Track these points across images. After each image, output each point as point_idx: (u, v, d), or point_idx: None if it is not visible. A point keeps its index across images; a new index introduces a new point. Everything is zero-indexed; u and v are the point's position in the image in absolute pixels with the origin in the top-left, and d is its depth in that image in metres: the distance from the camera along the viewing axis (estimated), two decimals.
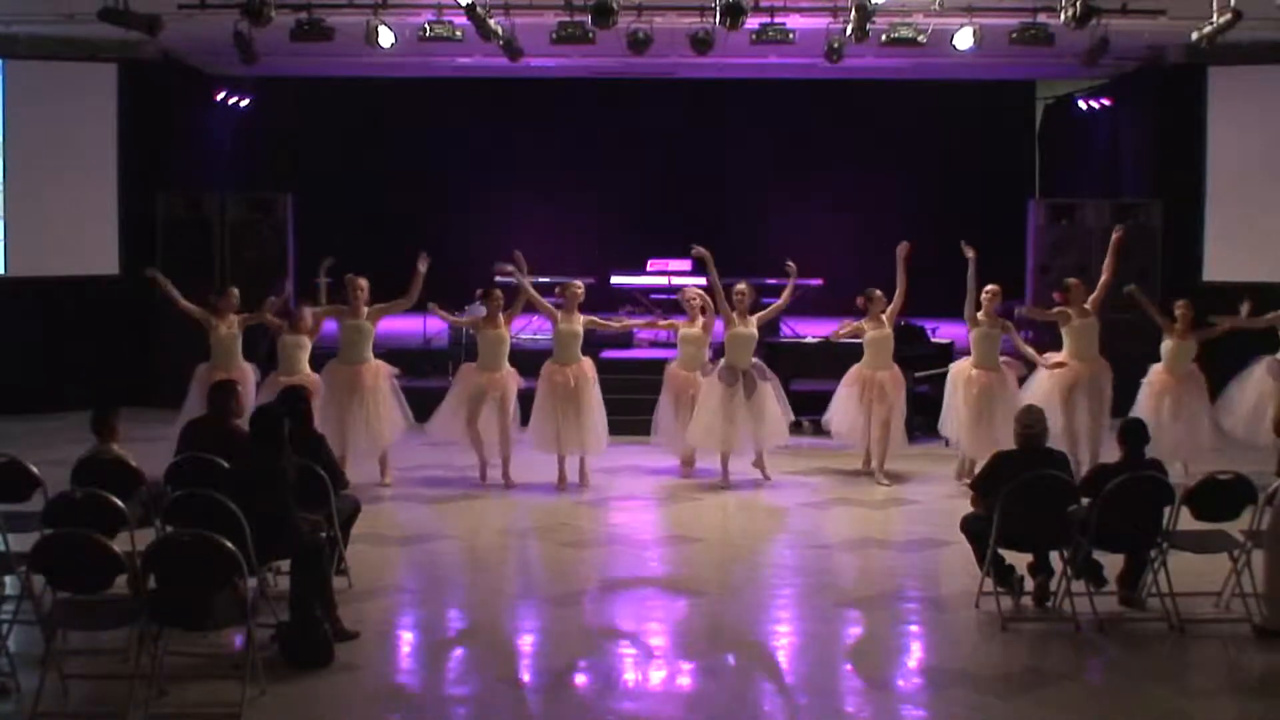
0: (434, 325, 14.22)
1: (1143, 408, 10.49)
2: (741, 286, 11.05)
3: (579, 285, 11.14)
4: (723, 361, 10.92)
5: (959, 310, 10.94)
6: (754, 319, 10.97)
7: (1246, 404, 11.08)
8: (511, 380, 10.94)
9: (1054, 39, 11.97)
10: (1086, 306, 10.84)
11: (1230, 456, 9.91)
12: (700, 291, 11.24)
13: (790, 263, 11.16)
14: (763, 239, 17.85)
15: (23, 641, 6.73)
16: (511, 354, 11.18)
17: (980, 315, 10.80)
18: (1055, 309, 11.06)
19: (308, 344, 10.74)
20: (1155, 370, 11.00)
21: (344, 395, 10.56)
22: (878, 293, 11.14)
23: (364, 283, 10.88)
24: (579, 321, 10.90)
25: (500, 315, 10.93)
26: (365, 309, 10.80)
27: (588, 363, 11.00)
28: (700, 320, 11.12)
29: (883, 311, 11.07)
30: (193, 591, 6.05)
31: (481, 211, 18.58)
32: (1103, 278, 11.04)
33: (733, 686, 6.66)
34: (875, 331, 11.09)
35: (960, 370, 11.10)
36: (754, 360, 11.03)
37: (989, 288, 10.89)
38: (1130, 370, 11.13)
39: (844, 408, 11.26)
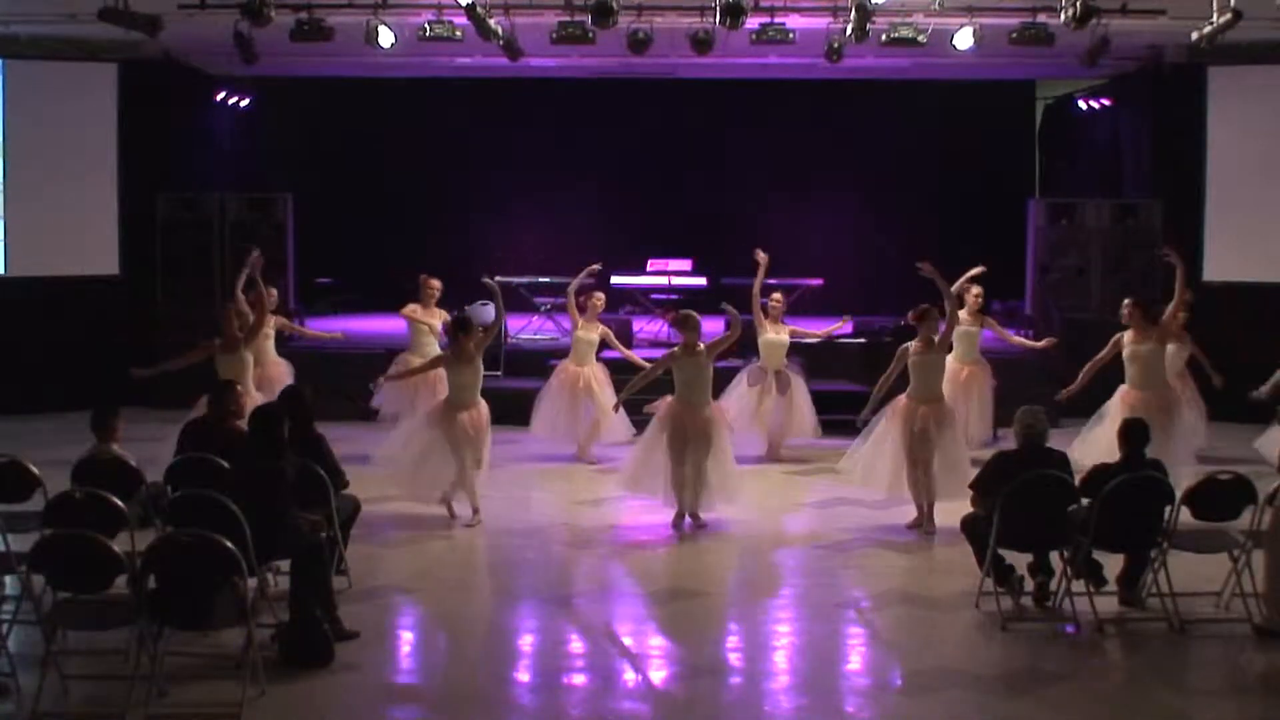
0: None
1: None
2: (777, 295, 11.82)
3: (600, 296, 12.03)
4: (756, 362, 11.79)
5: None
6: (786, 327, 11.81)
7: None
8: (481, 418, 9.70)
9: (1054, 39, 11.97)
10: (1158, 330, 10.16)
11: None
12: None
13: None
14: (763, 239, 17.70)
15: (23, 641, 6.74)
16: (512, 355, 11.34)
17: (964, 313, 11.12)
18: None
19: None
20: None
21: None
22: (934, 309, 9.62)
23: (437, 283, 11.62)
24: (596, 330, 11.82)
25: (472, 346, 9.67)
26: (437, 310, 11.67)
27: (601, 368, 11.85)
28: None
29: (935, 333, 9.50)
30: (193, 591, 6.06)
31: (481, 211, 18.58)
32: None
33: (733, 687, 6.67)
34: (922, 356, 9.48)
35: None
36: (785, 362, 11.85)
37: (974, 289, 11.40)
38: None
39: (871, 450, 9.57)
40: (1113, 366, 10.22)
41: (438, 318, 11.60)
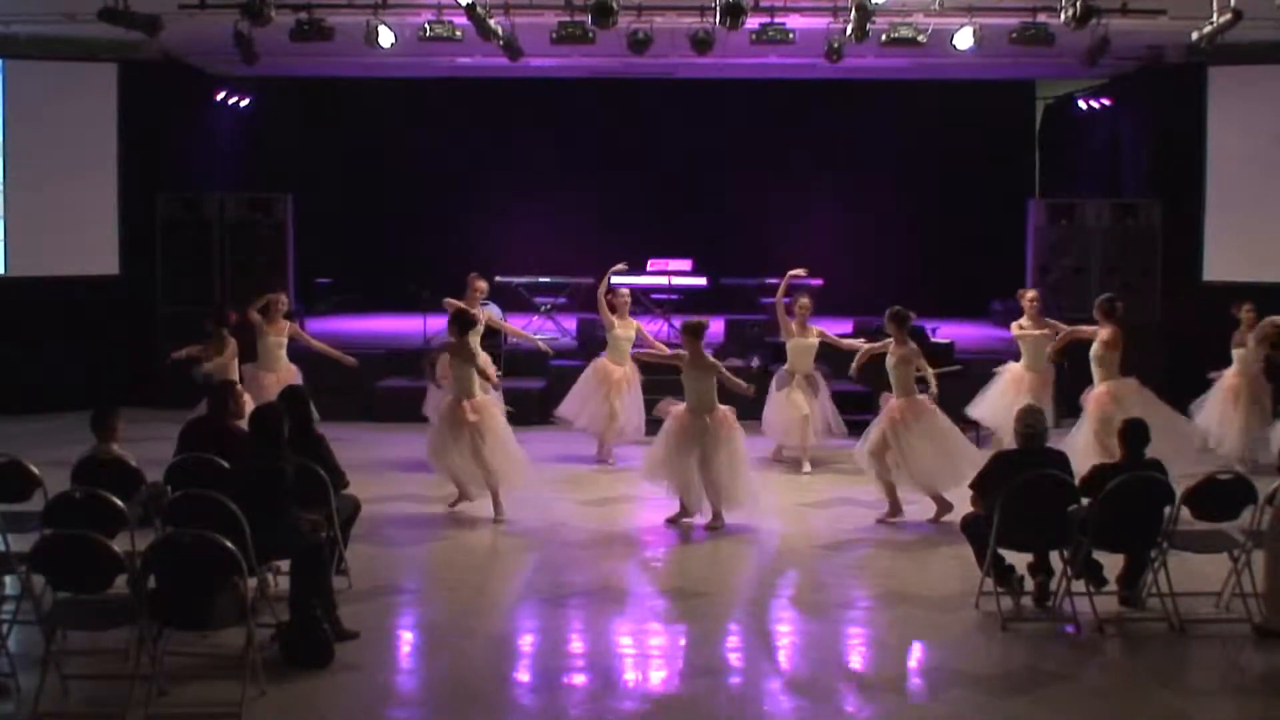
0: (434, 325, 14.22)
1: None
2: (804, 300, 11.60)
3: (625, 292, 12.01)
4: (784, 367, 11.73)
5: (958, 310, 11.03)
6: (814, 329, 11.59)
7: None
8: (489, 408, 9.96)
9: (1054, 39, 11.96)
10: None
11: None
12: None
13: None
14: (763, 239, 17.86)
15: (23, 641, 6.74)
16: (512, 356, 11.34)
17: (1025, 320, 11.36)
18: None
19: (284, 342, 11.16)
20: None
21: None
22: (903, 312, 9.93)
23: (483, 284, 11.47)
24: (631, 327, 11.85)
25: (475, 343, 10.18)
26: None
27: (635, 368, 11.80)
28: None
29: (905, 334, 9.88)
30: (193, 591, 6.06)
31: (481, 211, 18.58)
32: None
33: (733, 686, 6.67)
34: (892, 356, 9.91)
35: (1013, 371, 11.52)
36: (815, 365, 11.70)
37: (1028, 294, 11.46)
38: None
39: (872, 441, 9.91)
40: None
41: (483, 319, 11.28)
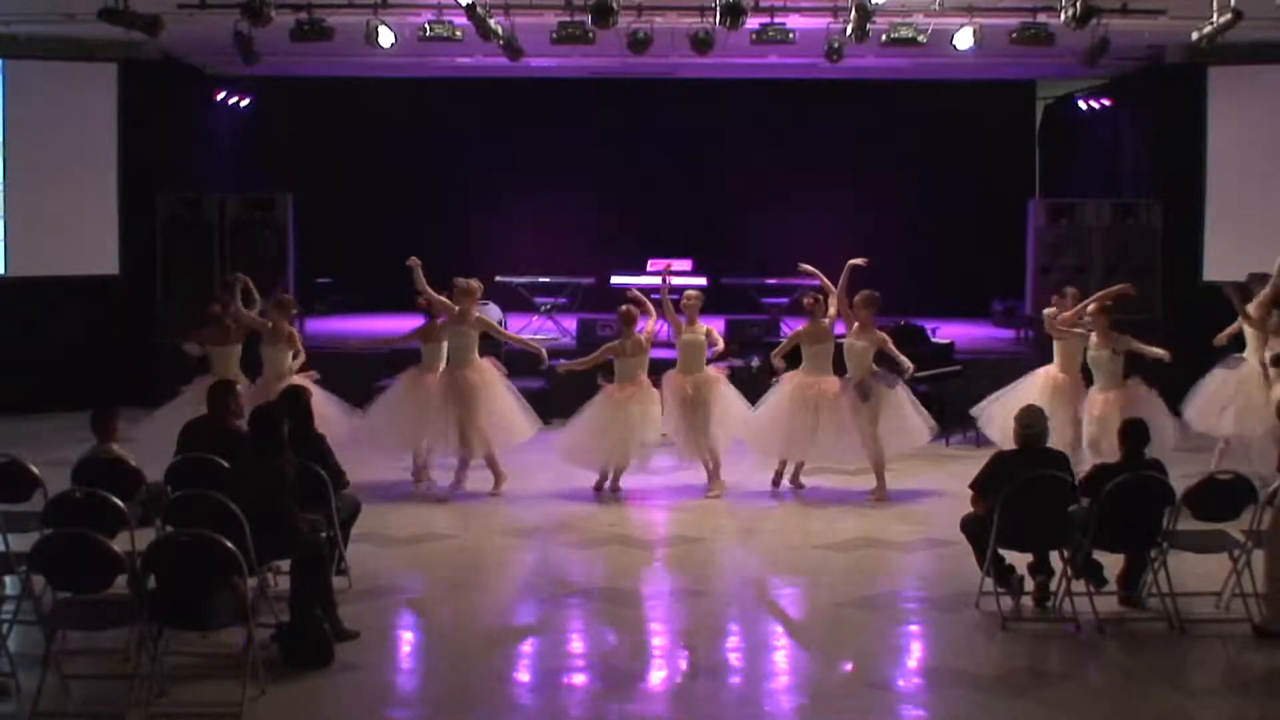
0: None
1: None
2: (862, 294, 10.58)
3: (696, 292, 11.12)
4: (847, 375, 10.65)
5: (958, 310, 11.01)
6: (873, 333, 10.53)
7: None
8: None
9: (1054, 39, 11.97)
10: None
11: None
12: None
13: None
14: (762, 239, 17.85)
15: (23, 641, 6.73)
16: (511, 356, 11.31)
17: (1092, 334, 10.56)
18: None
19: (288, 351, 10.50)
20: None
21: (462, 398, 10.51)
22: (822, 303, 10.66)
23: (477, 285, 10.85)
24: (701, 331, 10.81)
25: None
26: (476, 313, 10.76)
27: (713, 369, 10.88)
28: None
29: (822, 318, 10.61)
30: (193, 591, 6.06)
31: (481, 211, 18.56)
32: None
33: (733, 686, 6.67)
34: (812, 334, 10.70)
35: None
36: (874, 369, 10.55)
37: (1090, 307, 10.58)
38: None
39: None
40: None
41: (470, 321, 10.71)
